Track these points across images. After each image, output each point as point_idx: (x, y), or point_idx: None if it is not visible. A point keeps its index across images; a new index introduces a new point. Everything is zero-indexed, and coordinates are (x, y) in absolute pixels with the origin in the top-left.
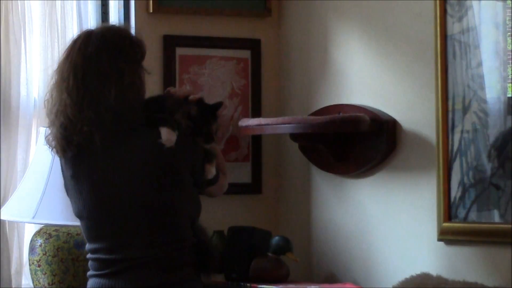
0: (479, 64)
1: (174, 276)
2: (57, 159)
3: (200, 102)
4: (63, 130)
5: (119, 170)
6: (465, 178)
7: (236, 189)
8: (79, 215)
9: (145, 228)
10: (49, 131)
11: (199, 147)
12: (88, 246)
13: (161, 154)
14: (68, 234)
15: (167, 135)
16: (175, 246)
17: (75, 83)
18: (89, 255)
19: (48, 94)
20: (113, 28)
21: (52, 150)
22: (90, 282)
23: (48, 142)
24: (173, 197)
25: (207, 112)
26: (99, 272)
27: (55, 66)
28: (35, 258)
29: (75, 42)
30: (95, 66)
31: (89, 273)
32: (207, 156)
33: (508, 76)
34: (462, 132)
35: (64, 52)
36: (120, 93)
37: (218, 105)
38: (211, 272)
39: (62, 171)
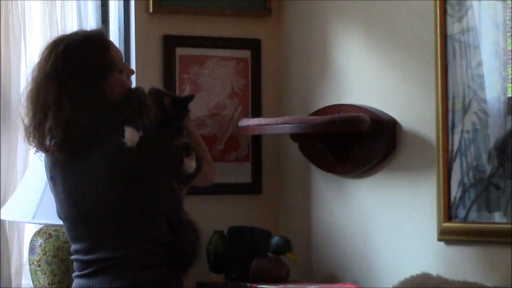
0: (479, 64)
1: (148, 276)
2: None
3: (173, 94)
4: (37, 140)
5: (87, 175)
6: (465, 178)
7: (236, 189)
8: (59, 216)
9: (117, 229)
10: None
11: (169, 144)
12: (71, 247)
13: (126, 156)
14: None
15: (130, 135)
16: (148, 246)
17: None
18: (72, 256)
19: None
20: (75, 47)
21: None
22: (74, 283)
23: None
24: (141, 197)
25: (179, 105)
26: (80, 273)
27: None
28: (35, 258)
29: (43, 52)
30: (49, 87)
31: (73, 274)
32: (185, 150)
33: (508, 76)
34: (462, 132)
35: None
36: (59, 125)
37: (190, 97)
38: (182, 270)
39: (45, 172)
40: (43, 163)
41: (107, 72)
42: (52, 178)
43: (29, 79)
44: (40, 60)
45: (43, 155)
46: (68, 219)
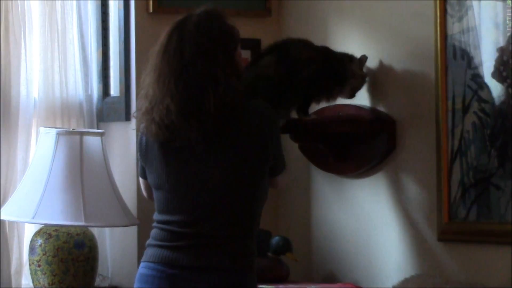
0: (479, 64)
1: (240, 262)
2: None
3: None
4: (165, 130)
5: (211, 151)
6: (465, 178)
7: None
8: (158, 186)
9: (224, 210)
10: (148, 124)
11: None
12: (159, 217)
13: (253, 139)
14: (68, 234)
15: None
16: (246, 234)
17: (176, 91)
18: (157, 225)
19: (146, 88)
20: (204, 28)
21: (146, 134)
22: (152, 251)
23: (141, 130)
24: (256, 186)
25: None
26: (165, 244)
27: (150, 56)
28: (35, 258)
29: (169, 39)
30: (192, 73)
31: (151, 242)
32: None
33: (508, 76)
34: (462, 132)
35: (160, 46)
36: (218, 99)
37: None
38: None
39: (147, 140)
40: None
41: (236, 45)
42: (162, 146)
43: (160, 66)
44: (169, 47)
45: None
46: (172, 190)
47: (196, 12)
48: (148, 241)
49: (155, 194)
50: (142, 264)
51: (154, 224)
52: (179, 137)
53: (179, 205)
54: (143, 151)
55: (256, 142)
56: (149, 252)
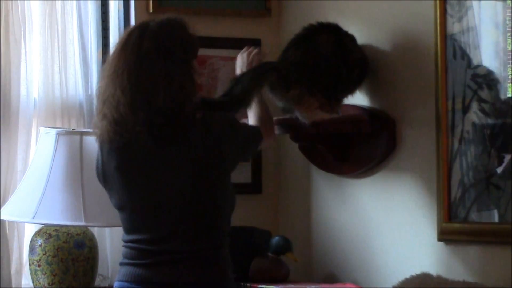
0: (479, 64)
1: (211, 273)
2: (60, 157)
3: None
4: (114, 124)
5: (167, 167)
6: (465, 178)
7: (236, 189)
8: (121, 207)
9: (188, 224)
10: (98, 122)
11: (239, 126)
12: (127, 237)
13: (207, 149)
14: (68, 234)
15: None
16: (215, 244)
17: (128, 83)
18: (127, 244)
19: (101, 83)
20: (166, 27)
21: (98, 138)
22: (124, 269)
23: (94, 130)
24: (216, 197)
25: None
26: (136, 262)
27: (110, 53)
28: (35, 258)
29: (129, 35)
30: (146, 68)
31: (123, 261)
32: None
33: (508, 76)
34: (462, 132)
35: (119, 43)
36: (169, 96)
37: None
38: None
39: (102, 162)
40: (100, 155)
41: (195, 53)
42: (118, 168)
43: (117, 61)
44: (127, 43)
45: (102, 146)
46: (136, 209)
47: (160, 18)
48: (120, 260)
49: (120, 215)
50: (116, 284)
51: (123, 244)
52: (127, 132)
53: (144, 223)
54: (100, 174)
55: (208, 152)
56: (122, 271)
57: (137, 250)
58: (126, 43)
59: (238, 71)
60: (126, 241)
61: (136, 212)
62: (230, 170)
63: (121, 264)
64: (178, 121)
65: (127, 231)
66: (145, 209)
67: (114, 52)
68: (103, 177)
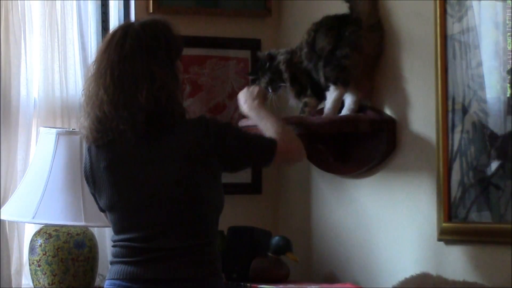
0: (479, 64)
1: (202, 270)
2: (60, 157)
3: None
4: (98, 123)
5: (154, 164)
6: (465, 178)
7: (236, 189)
8: (111, 207)
9: (177, 222)
10: (83, 121)
11: (232, 129)
12: (116, 237)
13: (192, 147)
14: (68, 234)
15: None
16: (205, 241)
17: (111, 81)
18: (117, 243)
19: (86, 84)
20: (150, 27)
21: (84, 138)
22: (116, 268)
23: (80, 131)
24: (202, 190)
25: None
26: (128, 259)
27: (94, 55)
28: (35, 258)
29: (113, 35)
30: (129, 67)
31: (114, 259)
32: None
33: (508, 76)
34: (462, 132)
35: (103, 43)
36: (151, 95)
37: None
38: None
39: (91, 164)
40: (88, 157)
41: (178, 53)
42: (107, 168)
43: (100, 61)
44: (111, 42)
45: (90, 147)
46: (125, 208)
47: (144, 18)
48: (110, 259)
49: (109, 217)
50: (107, 282)
51: (113, 244)
52: (110, 131)
53: (133, 222)
54: (89, 175)
55: (191, 148)
56: (112, 269)
57: (128, 249)
58: (109, 43)
59: (244, 107)
60: (116, 241)
61: (127, 211)
62: (220, 169)
63: (112, 263)
64: (162, 119)
65: (117, 231)
66: (135, 207)
67: (98, 52)
68: (92, 178)
